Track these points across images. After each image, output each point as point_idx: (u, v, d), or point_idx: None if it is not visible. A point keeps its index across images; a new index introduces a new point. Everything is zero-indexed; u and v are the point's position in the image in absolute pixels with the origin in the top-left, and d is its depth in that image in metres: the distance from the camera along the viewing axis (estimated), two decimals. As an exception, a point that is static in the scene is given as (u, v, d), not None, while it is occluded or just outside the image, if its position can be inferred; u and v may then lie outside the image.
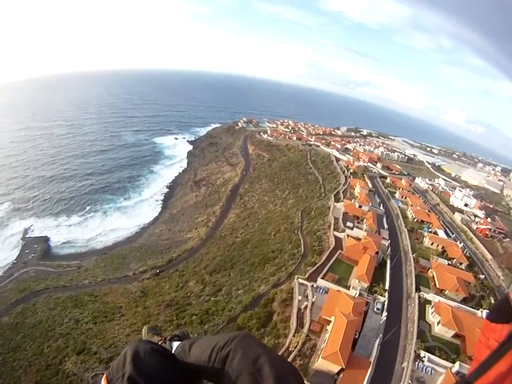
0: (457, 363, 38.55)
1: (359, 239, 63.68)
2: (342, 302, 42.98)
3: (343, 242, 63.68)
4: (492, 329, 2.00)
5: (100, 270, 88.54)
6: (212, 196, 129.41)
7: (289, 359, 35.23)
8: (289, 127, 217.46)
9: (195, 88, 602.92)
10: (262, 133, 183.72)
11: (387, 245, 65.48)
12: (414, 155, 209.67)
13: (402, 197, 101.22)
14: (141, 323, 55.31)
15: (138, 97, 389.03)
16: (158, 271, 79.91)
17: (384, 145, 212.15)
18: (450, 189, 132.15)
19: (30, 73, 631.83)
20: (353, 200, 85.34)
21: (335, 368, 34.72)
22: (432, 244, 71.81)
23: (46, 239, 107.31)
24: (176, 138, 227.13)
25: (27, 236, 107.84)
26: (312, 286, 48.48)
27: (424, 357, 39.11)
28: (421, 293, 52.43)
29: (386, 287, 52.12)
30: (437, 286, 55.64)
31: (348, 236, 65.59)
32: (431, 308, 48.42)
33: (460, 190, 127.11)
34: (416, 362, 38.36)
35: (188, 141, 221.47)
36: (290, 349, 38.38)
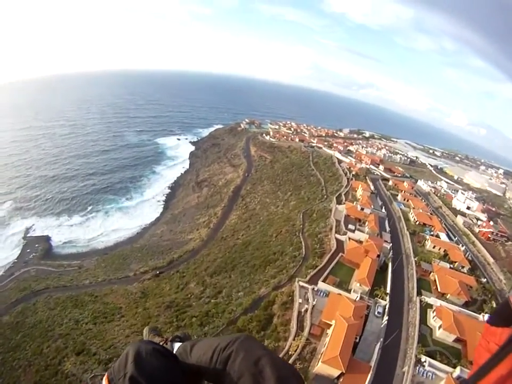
0: (458, 368, 38.29)
1: (360, 242, 63.43)
2: (343, 305, 42.74)
3: (345, 245, 63.37)
4: (492, 333, 2.03)
5: (101, 270, 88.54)
6: (213, 197, 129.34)
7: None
8: (292, 129, 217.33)
9: (197, 89, 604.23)
10: (264, 134, 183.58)
11: (389, 248, 65.11)
12: (416, 157, 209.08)
13: (404, 200, 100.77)
14: (140, 324, 55.18)
15: (141, 97, 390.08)
16: (158, 272, 79.80)
17: (387, 147, 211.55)
18: (453, 191, 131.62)
19: (31, 73, 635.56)
20: (355, 202, 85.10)
21: (335, 373, 34.45)
22: (434, 247, 71.52)
23: (47, 239, 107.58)
24: (178, 139, 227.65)
25: (28, 235, 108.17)
26: (313, 289, 48.22)
27: (425, 361, 38.84)
28: (423, 296, 52.15)
29: (388, 290, 51.85)
30: (439, 289, 55.29)
31: (349, 238, 65.33)
32: (433, 312, 48.14)
33: (462, 192, 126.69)
34: (417, 367, 38.11)
35: (190, 142, 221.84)
36: (290, 352, 38.12)
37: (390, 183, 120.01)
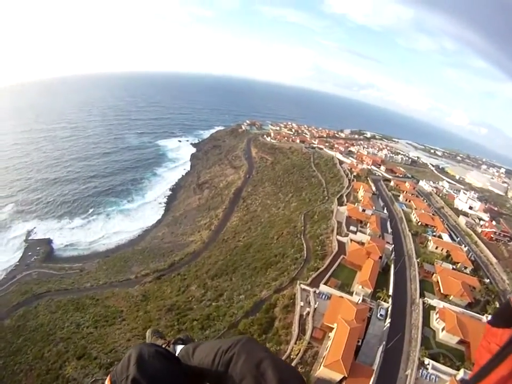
0: (462, 370, 37.78)
1: (362, 244, 63.00)
2: (345, 308, 42.37)
3: (346, 247, 63.04)
4: (493, 334, 2.05)
5: (102, 273, 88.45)
6: (214, 198, 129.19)
7: (291, 367, 34.59)
8: (293, 130, 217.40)
9: (198, 90, 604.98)
10: (265, 136, 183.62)
11: (391, 249, 64.69)
12: (417, 157, 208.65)
13: (406, 200, 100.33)
14: (141, 328, 54.98)
15: (142, 99, 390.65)
16: (159, 275, 79.61)
17: (388, 148, 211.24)
18: (455, 191, 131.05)
19: (32, 76, 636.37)
20: (356, 203, 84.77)
21: (337, 377, 34.11)
22: (436, 248, 71.04)
23: (48, 242, 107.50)
24: (179, 141, 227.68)
25: (30, 238, 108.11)
26: (315, 291, 47.89)
27: (428, 364, 38.44)
28: (425, 298, 51.71)
29: (390, 292, 51.40)
30: (442, 291, 54.82)
31: (351, 240, 64.91)
32: (436, 314, 47.72)
33: (464, 192, 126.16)
34: (420, 370, 37.72)
35: (191, 144, 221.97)
36: (292, 356, 37.77)
37: (392, 183, 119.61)
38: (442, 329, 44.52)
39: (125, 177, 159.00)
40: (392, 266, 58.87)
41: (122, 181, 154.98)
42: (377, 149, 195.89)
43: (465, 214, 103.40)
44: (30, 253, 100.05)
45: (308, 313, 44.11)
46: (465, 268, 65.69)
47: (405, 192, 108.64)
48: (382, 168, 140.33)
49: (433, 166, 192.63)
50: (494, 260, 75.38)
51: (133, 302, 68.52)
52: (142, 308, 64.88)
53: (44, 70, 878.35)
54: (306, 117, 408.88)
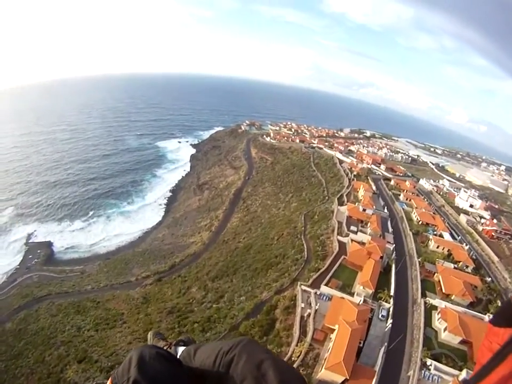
0: (464, 370, 37.56)
1: (363, 244, 62.77)
2: (346, 309, 42.16)
3: (347, 247, 62.82)
4: (495, 333, 2.05)
5: (103, 275, 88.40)
6: (214, 199, 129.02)
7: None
8: (292, 130, 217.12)
9: (198, 91, 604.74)
10: (265, 136, 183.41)
11: (392, 249, 64.46)
12: (417, 156, 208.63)
13: (406, 199, 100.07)
14: (142, 331, 54.86)
15: (141, 101, 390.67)
16: (159, 277, 79.50)
17: (388, 147, 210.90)
18: (455, 190, 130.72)
19: (32, 78, 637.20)
20: (357, 203, 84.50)
21: (339, 379, 33.88)
22: (437, 247, 70.80)
23: (49, 244, 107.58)
24: (179, 142, 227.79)
25: (30, 241, 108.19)
26: (316, 293, 47.65)
27: (431, 365, 38.20)
28: (427, 298, 51.47)
29: (391, 293, 51.09)
30: (443, 290, 54.61)
31: (351, 240, 64.63)
32: (438, 314, 47.46)
33: (464, 191, 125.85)
34: (422, 371, 37.48)
35: (191, 145, 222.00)
36: (293, 358, 37.54)
37: (392, 182, 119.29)
38: (444, 329, 44.27)
39: (125, 179, 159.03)
40: (393, 266, 58.62)
41: (122, 182, 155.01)
42: (377, 147, 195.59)
43: (466, 212, 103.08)
44: (30, 256, 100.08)
45: (309, 315, 43.88)
46: (467, 266, 65.48)
47: (405, 191, 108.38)
48: (382, 167, 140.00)
49: (433, 164, 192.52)
50: (495, 258, 75.15)
51: (134, 304, 68.43)
52: (142, 310, 64.77)
53: (44, 72, 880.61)
54: (306, 116, 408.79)
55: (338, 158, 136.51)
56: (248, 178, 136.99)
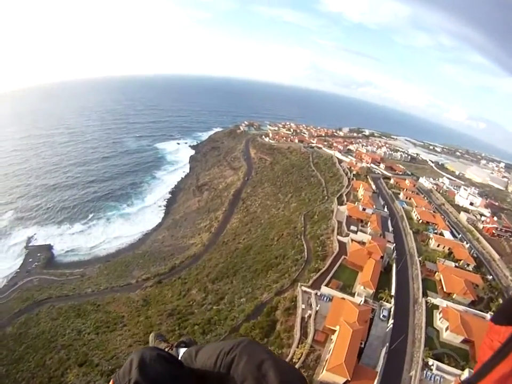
0: (467, 370, 37.38)
1: (363, 243, 62.52)
2: (347, 310, 41.94)
3: (347, 247, 62.59)
4: (496, 331, 2.06)
5: (103, 278, 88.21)
6: (214, 200, 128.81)
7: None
8: (291, 130, 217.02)
9: (196, 92, 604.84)
10: (263, 136, 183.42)
11: (392, 248, 64.24)
12: (417, 154, 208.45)
13: (406, 198, 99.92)
14: (143, 333, 54.66)
15: (140, 103, 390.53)
16: (160, 279, 79.33)
17: (387, 145, 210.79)
18: (455, 187, 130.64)
19: (33, 81, 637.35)
20: (356, 202, 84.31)
21: (340, 380, 33.65)
22: (438, 246, 70.61)
23: (49, 248, 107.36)
24: (178, 143, 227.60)
25: (30, 244, 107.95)
26: (316, 294, 47.41)
27: (433, 365, 38.05)
28: (428, 297, 51.23)
29: (392, 292, 50.89)
30: (444, 289, 54.43)
31: (352, 240, 64.38)
32: (439, 313, 47.26)
33: (464, 188, 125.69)
34: (424, 371, 37.34)
35: (190, 146, 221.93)
36: (294, 360, 37.33)
37: (392, 181, 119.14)
38: (446, 329, 44.07)
39: (124, 181, 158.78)
40: (394, 265, 58.39)
41: (122, 185, 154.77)
42: (376, 146, 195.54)
43: (466, 210, 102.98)
44: (30, 260, 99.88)
45: (310, 316, 43.68)
46: (468, 265, 65.30)
47: (405, 189, 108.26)
48: (382, 166, 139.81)
49: (432, 162, 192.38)
50: (496, 256, 75.01)
51: (134, 307, 68.25)
52: (143, 313, 64.58)
53: (44, 75, 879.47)
54: (305, 116, 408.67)
55: (337, 158, 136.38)
56: (248, 178, 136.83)
